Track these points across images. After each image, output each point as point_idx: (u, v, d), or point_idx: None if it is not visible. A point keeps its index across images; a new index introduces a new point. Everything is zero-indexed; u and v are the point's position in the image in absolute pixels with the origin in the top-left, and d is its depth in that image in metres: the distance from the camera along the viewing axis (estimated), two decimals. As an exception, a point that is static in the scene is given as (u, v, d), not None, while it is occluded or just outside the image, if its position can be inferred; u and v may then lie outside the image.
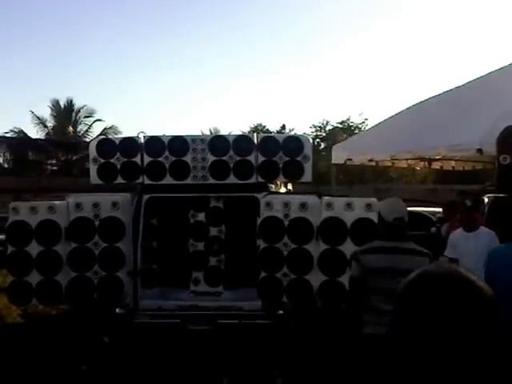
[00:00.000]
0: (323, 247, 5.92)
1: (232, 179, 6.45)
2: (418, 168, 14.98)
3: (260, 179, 6.50)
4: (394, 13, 55.52)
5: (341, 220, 5.91)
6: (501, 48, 43.48)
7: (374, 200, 6.06)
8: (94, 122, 31.78)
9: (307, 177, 6.54)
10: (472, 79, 10.39)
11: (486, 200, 6.50)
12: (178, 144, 6.56)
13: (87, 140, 29.92)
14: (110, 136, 23.03)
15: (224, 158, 6.47)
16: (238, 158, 6.45)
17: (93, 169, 6.72)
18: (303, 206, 6.04)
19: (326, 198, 6.19)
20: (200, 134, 17.37)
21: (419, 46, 53.96)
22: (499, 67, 10.23)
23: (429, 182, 24.99)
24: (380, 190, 17.55)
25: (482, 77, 10.16)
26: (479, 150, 7.59)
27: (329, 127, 35.34)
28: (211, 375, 5.73)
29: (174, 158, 6.52)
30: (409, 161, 10.69)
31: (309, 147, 6.64)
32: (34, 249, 6.11)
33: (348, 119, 34.80)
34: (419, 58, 53.89)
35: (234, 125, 57.86)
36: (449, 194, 12.73)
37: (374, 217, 5.89)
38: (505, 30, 53.90)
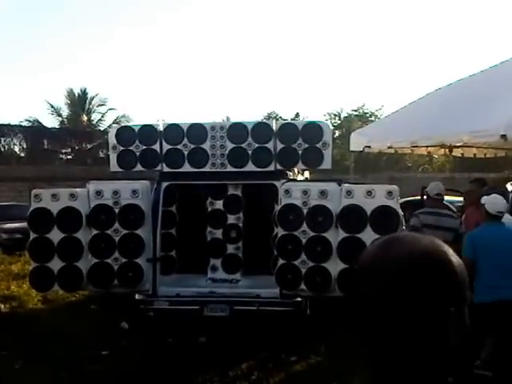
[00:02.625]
0: (342, 235, 5.87)
1: (250, 167, 6.41)
2: (437, 156, 14.83)
3: (279, 166, 6.45)
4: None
5: (361, 207, 5.85)
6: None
7: (395, 187, 5.99)
8: (107, 111, 31.88)
9: (327, 164, 6.47)
10: (493, 65, 10.21)
11: (510, 187, 6.38)
12: (197, 131, 6.53)
13: (101, 129, 30.06)
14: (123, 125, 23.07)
15: (243, 146, 6.43)
16: (257, 146, 6.41)
17: (112, 156, 6.71)
18: (323, 193, 5.98)
19: (346, 185, 6.13)
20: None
21: (430, 34, 53.25)
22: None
23: (446, 170, 24.75)
24: (395, 178, 17.39)
25: (503, 62, 9.97)
26: (503, 136, 7.44)
27: (344, 114, 35.05)
28: (230, 361, 5.75)
29: (192, 146, 6.50)
30: (428, 148, 10.53)
31: (329, 134, 6.57)
32: (55, 235, 6.14)
33: (363, 106, 34.49)
34: (429, 45, 53.21)
35: (247, 114, 57.78)
36: (467, 183, 12.60)
37: (394, 204, 5.85)
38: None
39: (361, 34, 54.96)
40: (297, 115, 35.62)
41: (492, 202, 5.38)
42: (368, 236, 5.75)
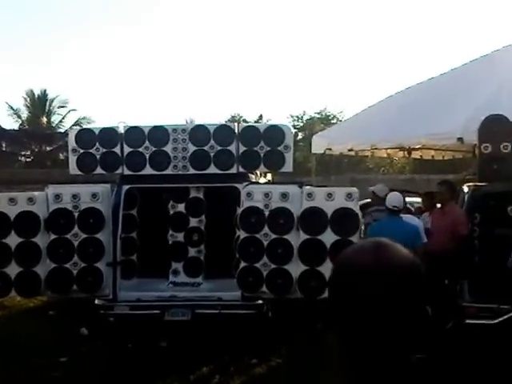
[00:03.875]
0: (303, 237, 5.93)
1: (213, 169, 6.42)
2: (397, 158, 15.09)
3: (241, 169, 6.47)
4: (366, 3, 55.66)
5: (321, 210, 5.92)
6: (481, 37, 43.95)
7: (354, 189, 6.08)
8: (68, 113, 31.33)
9: (288, 167, 6.53)
10: (453, 68, 10.46)
11: (466, 189, 6.55)
12: (159, 134, 6.50)
13: (61, 131, 29.51)
14: (84, 126, 22.77)
15: (205, 148, 6.43)
16: (219, 148, 6.42)
17: (72, 159, 6.62)
18: (284, 196, 6.04)
19: (307, 187, 6.20)
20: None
21: (389, 37, 54.20)
22: (480, 56, 10.32)
23: (406, 171, 25.18)
24: (357, 180, 17.61)
25: (462, 65, 10.23)
26: (460, 139, 7.64)
27: (306, 117, 35.34)
28: (192, 365, 5.73)
29: (154, 148, 6.46)
30: (388, 150, 10.73)
31: (290, 137, 6.65)
32: (12, 240, 6.03)
33: (325, 109, 34.85)
34: (393, 47, 54.19)
35: (210, 116, 57.49)
36: (426, 184, 12.85)
37: (354, 206, 5.94)
38: (481, 19, 54.41)
39: (322, 37, 55.49)
40: (260, 117, 35.72)
41: (389, 197, 6.14)
42: (328, 238, 5.83)
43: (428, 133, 8.17)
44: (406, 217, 6.34)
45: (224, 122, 24.07)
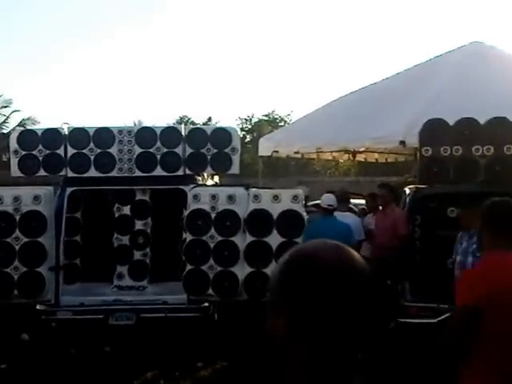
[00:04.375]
0: (250, 239, 5.96)
1: (159, 171, 6.37)
2: (342, 160, 15.40)
3: (188, 171, 6.45)
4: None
5: (267, 212, 5.97)
6: (424, 42, 45.25)
7: (300, 191, 6.18)
8: (11, 113, 30.35)
9: (235, 169, 6.56)
10: (396, 73, 10.76)
11: (408, 191, 6.74)
12: (104, 135, 6.41)
13: (4, 132, 28.52)
14: (28, 127, 22.12)
15: (151, 150, 6.37)
16: (166, 150, 6.38)
17: (14, 161, 6.44)
18: (231, 198, 6.05)
19: (254, 189, 6.23)
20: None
21: (337, 40, 55.26)
22: (422, 61, 10.65)
23: (352, 174, 25.69)
24: (304, 182, 17.82)
25: (405, 70, 10.54)
26: (402, 142, 7.88)
27: (254, 120, 35.55)
28: (136, 370, 5.66)
29: (98, 150, 6.36)
30: (333, 153, 10.95)
31: (237, 139, 6.69)
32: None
33: (273, 111, 35.17)
34: (340, 48, 55.18)
35: (158, 117, 56.97)
36: (371, 186, 13.15)
37: (299, 208, 6.02)
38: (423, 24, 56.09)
39: (270, 40, 55.94)
40: (209, 119, 35.71)
41: (324, 198, 6.53)
42: (274, 240, 5.88)
43: (371, 136, 8.40)
44: (344, 215, 6.72)
45: (171, 124, 23.92)
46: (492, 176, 6.21)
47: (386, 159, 11.67)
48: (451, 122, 6.45)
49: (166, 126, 6.89)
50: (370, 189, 10.56)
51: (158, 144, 6.38)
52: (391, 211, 6.67)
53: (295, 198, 6.04)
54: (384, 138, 8.27)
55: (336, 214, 6.50)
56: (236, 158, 6.55)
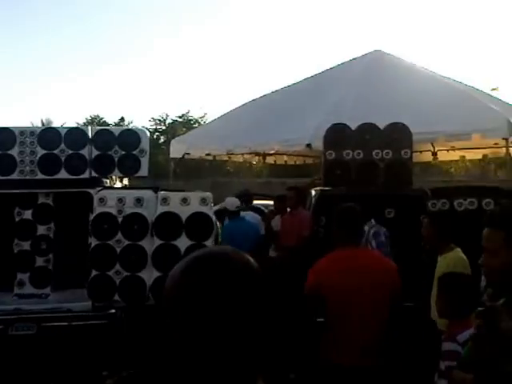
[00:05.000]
0: (158, 242, 5.89)
1: (63, 174, 6.17)
2: (254, 162, 15.60)
3: (94, 174, 6.29)
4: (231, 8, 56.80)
5: (176, 214, 5.93)
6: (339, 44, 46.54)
7: (208, 194, 6.17)
8: None
9: (144, 171, 6.46)
10: (304, 78, 11.04)
11: (314, 193, 6.93)
12: (4, 136, 6.14)
13: None
14: None
15: (55, 152, 6.17)
16: (70, 152, 6.19)
17: None
18: (138, 201, 5.96)
19: (162, 192, 6.17)
20: (30, 125, 16.31)
21: (250, 42, 55.85)
22: (330, 67, 11.00)
23: (264, 176, 26.01)
24: (218, 184, 17.86)
25: (315, 74, 10.84)
26: (309, 145, 8.11)
27: (169, 121, 35.22)
28: (37, 381, 5.43)
29: None
30: (244, 155, 11.07)
31: (146, 141, 6.56)
32: None
33: (188, 113, 34.99)
34: (256, 51, 55.80)
35: (69, 116, 55.06)
36: (282, 188, 13.39)
37: (208, 211, 6.02)
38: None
39: (186, 40, 55.64)
40: (122, 120, 35.00)
41: (229, 202, 7.26)
42: (183, 243, 5.85)
43: (280, 139, 8.59)
44: (245, 213, 7.49)
45: (77, 125, 23.18)
46: (391, 178, 6.52)
47: (295, 161, 11.97)
48: (354, 127, 6.71)
49: (70, 127, 6.67)
50: (282, 190, 10.78)
51: (63, 146, 6.17)
52: (298, 213, 6.85)
53: (204, 200, 6.04)
54: (292, 141, 8.47)
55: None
56: (145, 160, 6.45)
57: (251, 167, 25.24)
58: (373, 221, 5.83)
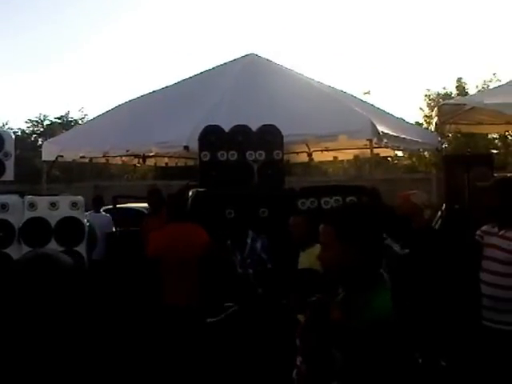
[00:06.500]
0: (26, 249, 5.64)
1: None
2: (139, 165, 15.36)
3: None
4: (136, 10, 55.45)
5: (45, 220, 5.72)
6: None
7: (80, 198, 6.00)
8: None
9: (9, 175, 6.18)
10: (182, 79, 11.02)
11: (190, 194, 6.97)
12: None
13: None
14: None
15: None
16: None
17: None
18: (3, 206, 5.68)
19: (29, 197, 5.92)
20: None
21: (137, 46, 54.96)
22: (206, 69, 11.06)
23: (149, 178, 25.63)
24: (100, 186, 17.37)
25: (195, 75, 10.86)
26: (186, 147, 8.12)
27: (47, 122, 33.65)
28: None
29: None
30: (123, 158, 10.85)
31: (11, 143, 6.28)
32: None
33: (67, 114, 33.66)
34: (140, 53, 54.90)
35: None
36: (167, 189, 13.30)
37: (79, 215, 5.86)
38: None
39: (69, 41, 53.44)
40: (-4, 121, 32.84)
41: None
42: (53, 248, 5.65)
43: (157, 141, 8.52)
44: (95, 215, 8.09)
45: None
46: (264, 179, 6.73)
47: (176, 163, 11.93)
48: (228, 129, 6.84)
49: None
50: (166, 192, 10.68)
51: None
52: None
53: (74, 204, 5.87)
54: (169, 142, 8.44)
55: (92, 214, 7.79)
56: (10, 164, 6.16)
57: (136, 169, 24.79)
58: (250, 232, 6.01)
